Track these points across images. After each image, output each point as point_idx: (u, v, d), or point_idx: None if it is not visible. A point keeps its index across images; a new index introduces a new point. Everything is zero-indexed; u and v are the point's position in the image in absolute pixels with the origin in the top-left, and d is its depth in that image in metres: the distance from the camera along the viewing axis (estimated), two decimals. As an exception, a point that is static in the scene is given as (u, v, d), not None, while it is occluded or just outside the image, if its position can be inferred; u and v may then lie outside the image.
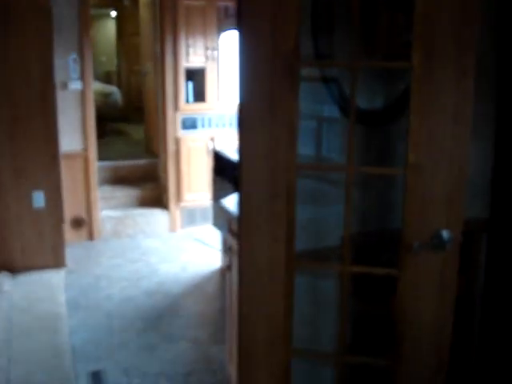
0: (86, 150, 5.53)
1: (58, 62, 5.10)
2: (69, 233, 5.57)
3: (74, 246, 5.48)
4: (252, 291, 2.33)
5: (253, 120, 2.17)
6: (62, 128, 5.29)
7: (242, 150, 2.22)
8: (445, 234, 2.01)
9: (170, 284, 4.64)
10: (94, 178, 5.63)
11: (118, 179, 6.41)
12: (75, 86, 5.32)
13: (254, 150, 2.19)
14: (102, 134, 7.57)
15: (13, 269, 4.70)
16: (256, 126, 2.16)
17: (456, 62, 1.99)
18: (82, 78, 5.36)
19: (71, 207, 5.56)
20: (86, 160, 5.55)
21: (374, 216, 2.52)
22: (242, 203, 2.27)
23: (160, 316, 4.07)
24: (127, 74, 9.33)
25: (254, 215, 2.25)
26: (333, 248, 2.39)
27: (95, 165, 5.64)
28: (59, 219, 4.86)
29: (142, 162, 6.62)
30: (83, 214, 5.67)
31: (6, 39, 4.40)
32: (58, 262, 4.87)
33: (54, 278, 4.66)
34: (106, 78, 10.85)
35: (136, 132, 8.19)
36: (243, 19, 2.11)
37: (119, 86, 9.61)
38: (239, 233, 2.33)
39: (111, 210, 6.02)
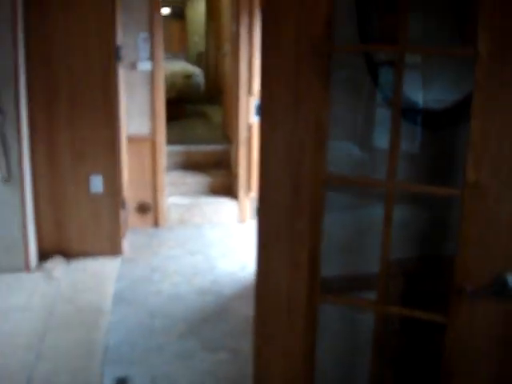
0: (153, 133, 5.30)
1: (127, 42, 4.90)
2: (134, 218, 5.40)
3: (137, 233, 5.30)
4: (267, 324, 1.95)
5: (274, 117, 1.77)
6: (129, 110, 5.10)
7: (261, 153, 1.82)
8: (510, 279, 1.52)
9: (224, 283, 4.32)
10: (162, 162, 5.39)
11: (190, 165, 6.16)
12: (145, 66, 5.09)
13: (274, 154, 1.79)
14: (180, 116, 7.40)
15: (68, 254, 4.56)
16: (277, 124, 1.76)
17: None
18: (153, 58, 5.11)
19: (137, 192, 5.37)
20: (153, 144, 5.31)
21: (432, 239, 2.05)
22: (259, 219, 1.89)
23: (205, 319, 3.76)
24: (214, 55, 9.07)
25: (271, 234, 1.86)
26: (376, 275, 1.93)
27: (163, 149, 5.39)
28: (117, 205, 4.66)
29: (216, 147, 6.32)
30: (149, 200, 5.46)
31: (68, 17, 4.21)
32: (114, 249, 4.69)
33: (107, 267, 4.48)
34: (197, 59, 10.68)
35: (217, 115, 7.92)
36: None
37: (206, 67, 9.40)
38: (256, 254, 1.95)
39: (180, 196, 5.78)
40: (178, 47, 12.48)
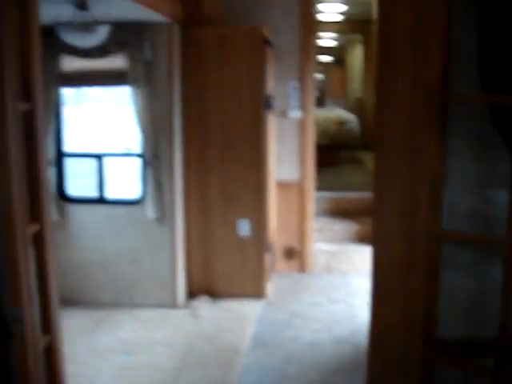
0: (302, 179, 5.39)
1: (278, 90, 5.09)
2: (281, 263, 5.50)
3: (283, 277, 5.39)
4: (381, 381, 1.87)
5: (388, 168, 1.73)
6: (280, 156, 5.26)
7: (375, 204, 1.79)
8: None
9: (364, 334, 4.18)
10: (310, 208, 5.45)
11: (338, 211, 6.16)
12: (295, 114, 5.23)
13: (388, 207, 1.74)
14: (334, 162, 7.46)
15: (214, 294, 4.75)
16: (391, 177, 1.72)
17: None
18: (303, 106, 5.24)
19: (285, 237, 5.47)
20: (302, 190, 5.40)
21: None
22: (374, 273, 1.84)
23: (340, 369, 3.68)
24: (371, 101, 9.06)
25: (386, 289, 1.80)
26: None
27: (312, 195, 5.46)
28: (263, 249, 4.77)
29: (364, 194, 6.25)
30: (296, 245, 5.52)
31: (222, 70, 4.50)
32: (258, 292, 4.79)
33: (250, 309, 4.58)
34: (355, 105, 10.74)
35: (371, 161, 7.86)
36: (381, 42, 1.70)
37: (363, 113, 9.40)
38: (370, 309, 1.90)
39: (327, 242, 5.78)
40: (338, 93, 12.68)
